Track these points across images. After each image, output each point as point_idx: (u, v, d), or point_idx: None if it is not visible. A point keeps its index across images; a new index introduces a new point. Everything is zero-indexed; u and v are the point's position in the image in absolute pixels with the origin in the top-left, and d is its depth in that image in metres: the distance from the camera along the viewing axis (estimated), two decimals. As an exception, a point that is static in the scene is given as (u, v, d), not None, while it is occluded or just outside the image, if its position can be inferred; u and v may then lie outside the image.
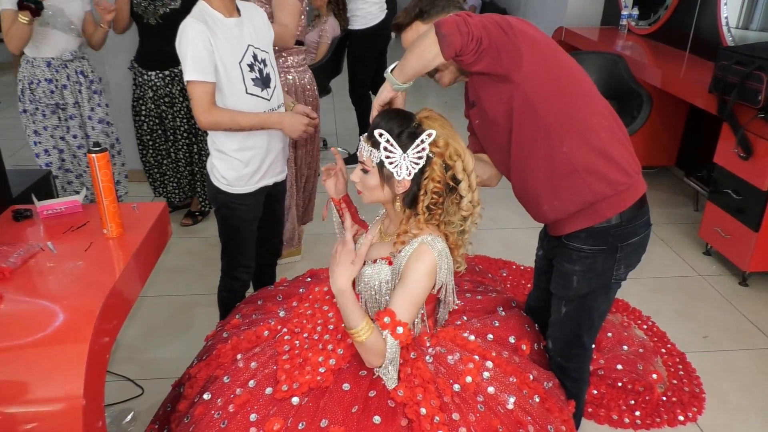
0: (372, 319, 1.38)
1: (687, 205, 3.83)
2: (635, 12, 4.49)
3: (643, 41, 4.32)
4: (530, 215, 1.67)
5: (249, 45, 1.92)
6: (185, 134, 3.25)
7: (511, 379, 1.49)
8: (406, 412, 1.36)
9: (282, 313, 1.70)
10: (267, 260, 2.37)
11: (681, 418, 2.16)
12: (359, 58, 4.33)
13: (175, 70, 3.10)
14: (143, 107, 3.20)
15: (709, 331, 2.65)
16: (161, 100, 3.16)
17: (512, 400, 1.44)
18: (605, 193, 1.50)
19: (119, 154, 3.21)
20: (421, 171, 1.41)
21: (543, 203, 1.56)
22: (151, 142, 3.30)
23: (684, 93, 3.27)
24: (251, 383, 1.46)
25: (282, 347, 1.55)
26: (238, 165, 1.97)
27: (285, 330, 1.61)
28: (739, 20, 3.56)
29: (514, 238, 3.38)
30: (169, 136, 3.27)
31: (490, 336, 1.61)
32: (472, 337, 1.57)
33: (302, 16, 2.65)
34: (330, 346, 1.51)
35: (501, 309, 1.74)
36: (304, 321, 1.62)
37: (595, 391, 2.19)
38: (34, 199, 1.75)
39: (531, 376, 1.53)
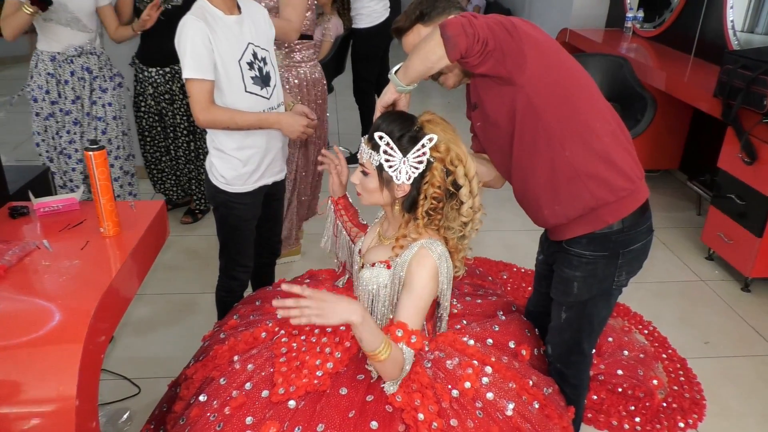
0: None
1: (690, 209, 3.81)
2: (640, 14, 4.46)
3: (648, 44, 4.29)
4: (531, 219, 1.65)
5: (249, 43, 1.90)
6: (185, 132, 3.24)
7: (510, 385, 1.47)
8: (403, 417, 1.35)
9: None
10: (266, 260, 2.35)
11: (681, 424, 2.14)
12: (363, 57, 4.32)
13: (176, 67, 3.08)
14: (143, 104, 3.19)
15: (710, 336, 2.63)
16: (161, 97, 3.15)
17: (511, 406, 1.42)
18: (607, 199, 1.48)
19: (118, 149, 3.09)
20: (421, 175, 1.39)
21: (544, 207, 1.55)
22: (150, 139, 3.29)
23: (688, 97, 3.25)
24: (248, 385, 1.45)
25: (279, 350, 1.53)
26: (236, 164, 1.96)
27: (282, 332, 1.60)
28: (745, 24, 3.54)
29: (515, 241, 3.36)
30: (168, 133, 3.25)
31: (490, 341, 1.59)
32: (472, 342, 1.55)
33: (309, 11, 2.64)
34: (328, 350, 1.49)
35: (501, 313, 1.72)
36: (303, 323, 1.61)
37: (595, 397, 2.18)
38: (31, 197, 1.73)
39: (530, 382, 1.51)
